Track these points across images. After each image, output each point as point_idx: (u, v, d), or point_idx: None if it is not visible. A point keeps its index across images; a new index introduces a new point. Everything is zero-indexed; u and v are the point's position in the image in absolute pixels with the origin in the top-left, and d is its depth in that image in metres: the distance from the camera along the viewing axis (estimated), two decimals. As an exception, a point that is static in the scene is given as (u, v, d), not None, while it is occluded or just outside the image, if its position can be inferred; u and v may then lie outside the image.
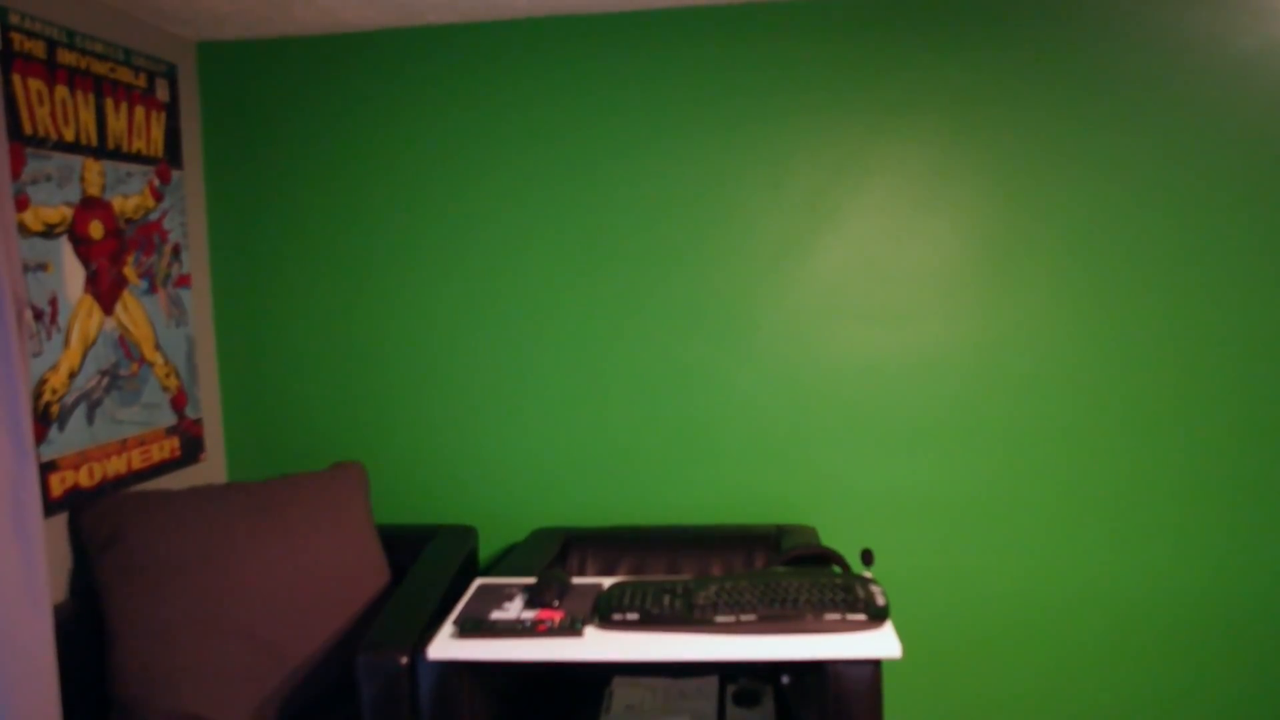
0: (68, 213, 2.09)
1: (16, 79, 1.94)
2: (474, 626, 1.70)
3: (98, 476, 2.17)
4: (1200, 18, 2.27)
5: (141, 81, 2.35)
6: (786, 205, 2.44)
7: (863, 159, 2.40)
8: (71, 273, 2.10)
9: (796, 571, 1.82)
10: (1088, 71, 2.31)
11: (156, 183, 2.40)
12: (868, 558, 1.97)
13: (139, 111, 2.33)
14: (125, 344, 2.28)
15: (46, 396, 2.02)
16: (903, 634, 2.50)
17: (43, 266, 2.01)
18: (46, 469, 2.01)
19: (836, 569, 2.05)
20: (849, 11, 2.36)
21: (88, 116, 2.15)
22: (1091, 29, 2.31)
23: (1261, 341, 2.34)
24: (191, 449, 2.54)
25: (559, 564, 2.34)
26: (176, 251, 2.49)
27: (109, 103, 2.22)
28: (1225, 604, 2.41)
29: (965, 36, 2.34)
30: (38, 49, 2.00)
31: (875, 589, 1.73)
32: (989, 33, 2.33)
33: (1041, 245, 2.37)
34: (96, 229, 2.18)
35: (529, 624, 1.69)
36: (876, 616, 1.64)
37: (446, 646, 1.67)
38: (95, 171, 2.17)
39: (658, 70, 2.45)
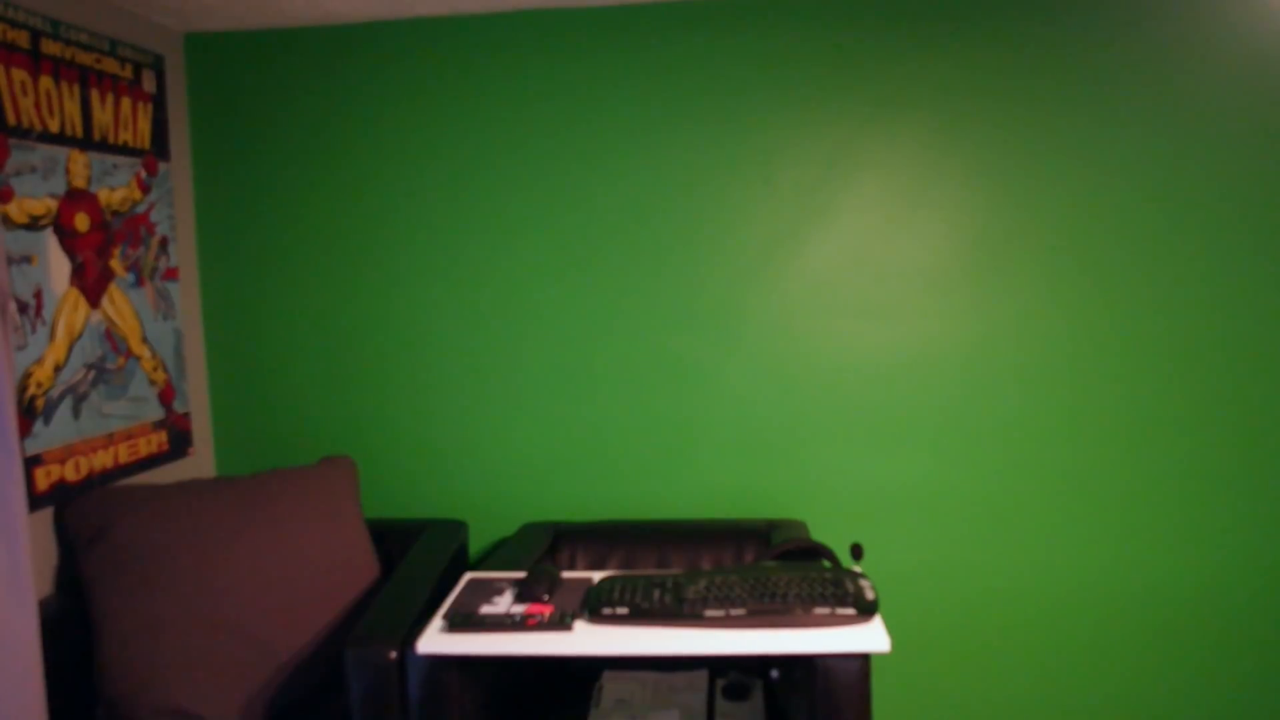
0: (53, 205, 2.07)
1: (0, 69, 1.92)
2: (463, 621, 1.69)
3: (84, 471, 2.16)
4: (1192, 11, 2.27)
5: (128, 73, 2.33)
6: (777, 200, 2.43)
7: (854, 153, 2.40)
8: (57, 265, 2.08)
9: (786, 566, 1.83)
10: (1079, 65, 2.32)
11: (143, 175, 2.38)
12: (857, 552, 1.97)
13: (125, 103, 2.31)
14: (112, 337, 2.26)
15: (31, 390, 2.00)
16: (892, 628, 2.51)
17: (28, 259, 1.99)
18: (32, 463, 2.00)
19: (826, 563, 2.05)
20: (840, 5, 2.36)
21: (73, 108, 2.13)
22: (1082, 23, 2.31)
23: (1256, 336, 2.34)
24: (179, 443, 2.52)
25: (549, 558, 2.34)
26: (164, 244, 2.47)
27: (95, 94, 2.20)
28: (1220, 599, 2.42)
29: (956, 31, 2.34)
30: (22, 39, 1.98)
31: (864, 583, 1.73)
32: (980, 27, 2.33)
33: (1032, 240, 2.38)
34: (82, 221, 2.16)
35: (519, 618, 1.69)
36: (866, 611, 1.64)
37: (436, 641, 1.67)
38: (81, 163, 2.15)
39: (648, 64, 2.44)
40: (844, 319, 2.45)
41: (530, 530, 2.45)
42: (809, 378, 2.48)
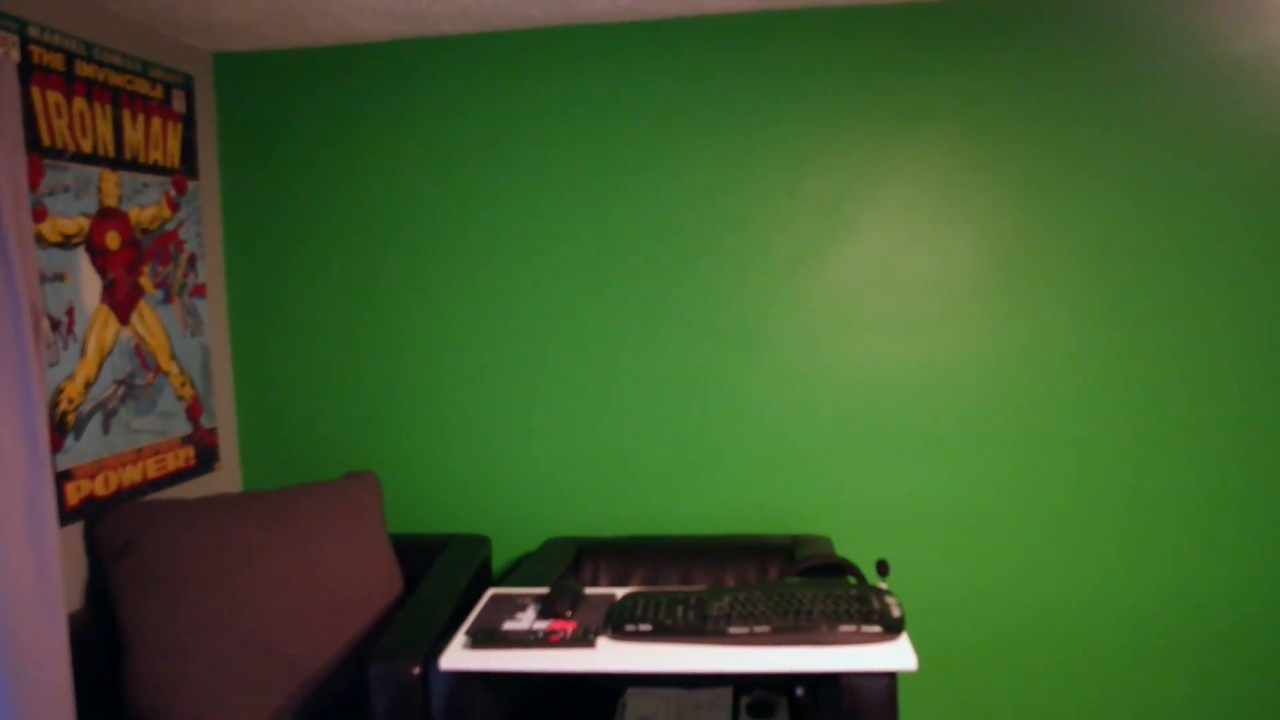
0: (85, 223, 2.10)
1: (35, 91, 1.96)
2: (486, 637, 1.69)
3: (113, 485, 2.18)
4: (1221, 22, 2.25)
5: (158, 93, 2.37)
6: (800, 213, 2.43)
7: (877, 167, 2.39)
8: (88, 283, 2.12)
9: (811, 582, 1.81)
10: (1103, 79, 2.30)
11: (173, 193, 2.42)
12: (883, 568, 1.95)
13: (156, 123, 2.35)
14: (141, 353, 2.29)
15: (63, 406, 2.03)
16: (917, 645, 2.47)
17: (60, 277, 2.03)
18: (62, 478, 2.02)
19: (851, 580, 2.03)
20: (862, 19, 2.36)
21: (105, 128, 2.17)
22: (1107, 36, 2.29)
23: (1272, 353, 2.31)
24: (206, 458, 2.55)
25: (572, 574, 2.33)
26: (192, 261, 2.50)
27: (126, 114, 2.24)
28: (1241, 612, 2.37)
29: (981, 45, 2.32)
30: (56, 62, 2.02)
31: (890, 600, 1.71)
32: (1003, 39, 2.32)
33: (1056, 254, 2.35)
34: (113, 239, 2.20)
35: (541, 634, 1.68)
36: (892, 628, 1.62)
37: (459, 657, 1.67)
38: (112, 183, 2.19)
39: (670, 80, 2.44)
40: (869, 333, 2.43)
41: (553, 546, 2.45)
42: (833, 392, 2.46)
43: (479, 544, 2.44)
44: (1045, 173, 2.34)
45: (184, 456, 2.45)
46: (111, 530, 2.07)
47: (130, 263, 2.26)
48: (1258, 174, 2.27)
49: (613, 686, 2.23)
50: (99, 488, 2.14)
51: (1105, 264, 2.34)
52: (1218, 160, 2.28)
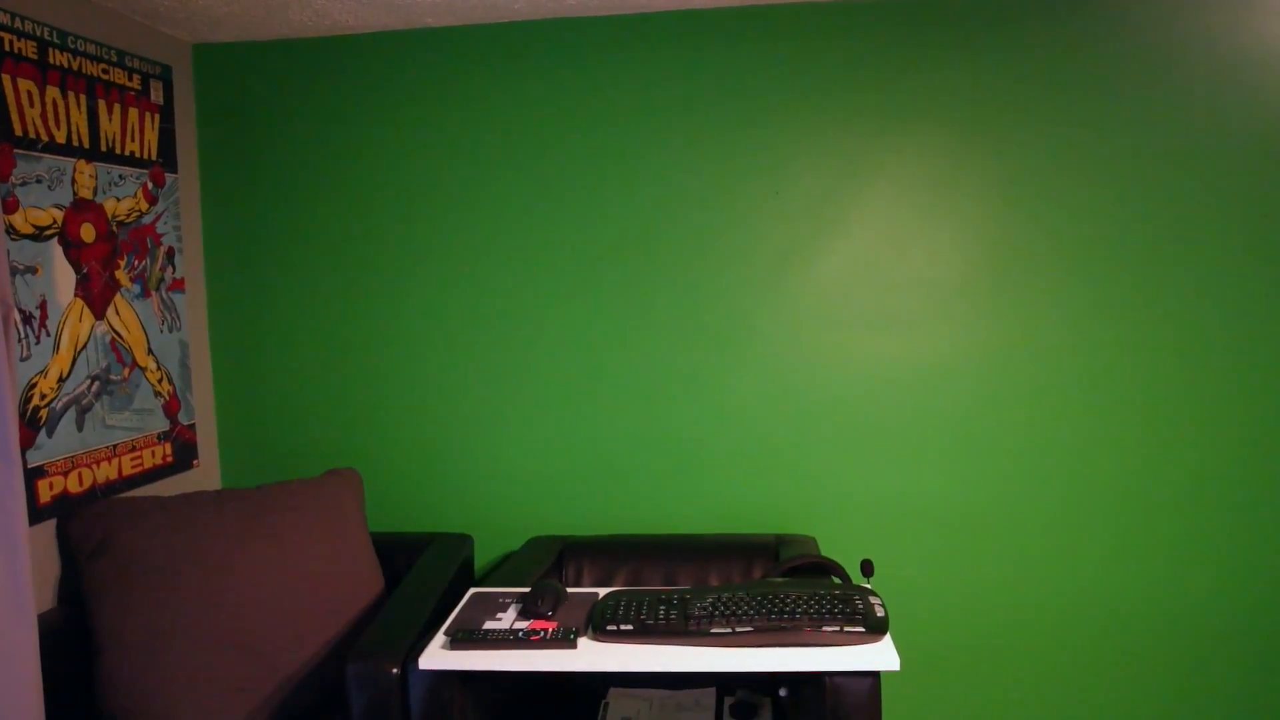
0: (58, 215, 2.06)
1: (6, 79, 1.92)
2: (466, 636, 1.67)
3: (87, 482, 2.15)
4: (1214, 24, 2.25)
5: (135, 83, 2.33)
6: (788, 212, 2.41)
7: (865, 165, 2.38)
8: (62, 276, 2.08)
9: (795, 582, 1.80)
10: (1094, 77, 2.29)
11: (150, 185, 2.38)
12: (867, 568, 1.94)
13: (132, 113, 2.31)
14: (117, 348, 2.26)
15: (35, 401, 1.99)
16: (902, 645, 2.47)
17: (32, 270, 1.99)
18: (35, 474, 1.99)
19: (835, 580, 2.02)
20: (852, 16, 2.34)
21: (80, 118, 2.13)
22: (1098, 35, 2.28)
23: (1265, 350, 2.31)
24: (184, 455, 2.51)
25: (554, 573, 2.31)
26: (170, 255, 2.46)
27: (102, 104, 2.20)
28: (1228, 614, 2.38)
29: (970, 42, 2.32)
30: (29, 49, 1.98)
31: (874, 600, 1.70)
32: (994, 38, 2.31)
33: (1045, 253, 2.35)
34: (88, 232, 2.16)
35: (522, 634, 1.66)
36: (875, 628, 1.61)
37: (438, 656, 1.65)
38: (87, 174, 2.15)
39: (658, 74, 2.42)
40: (854, 332, 2.42)
41: (536, 545, 2.43)
42: (819, 391, 2.45)
43: (461, 543, 2.42)
44: (1033, 171, 2.33)
45: (161, 453, 2.41)
46: (84, 528, 2.03)
47: (105, 256, 2.22)
48: (1246, 172, 2.27)
49: (595, 687, 2.21)
50: (72, 485, 2.10)
51: (1092, 263, 2.34)
52: (1206, 158, 2.28)
